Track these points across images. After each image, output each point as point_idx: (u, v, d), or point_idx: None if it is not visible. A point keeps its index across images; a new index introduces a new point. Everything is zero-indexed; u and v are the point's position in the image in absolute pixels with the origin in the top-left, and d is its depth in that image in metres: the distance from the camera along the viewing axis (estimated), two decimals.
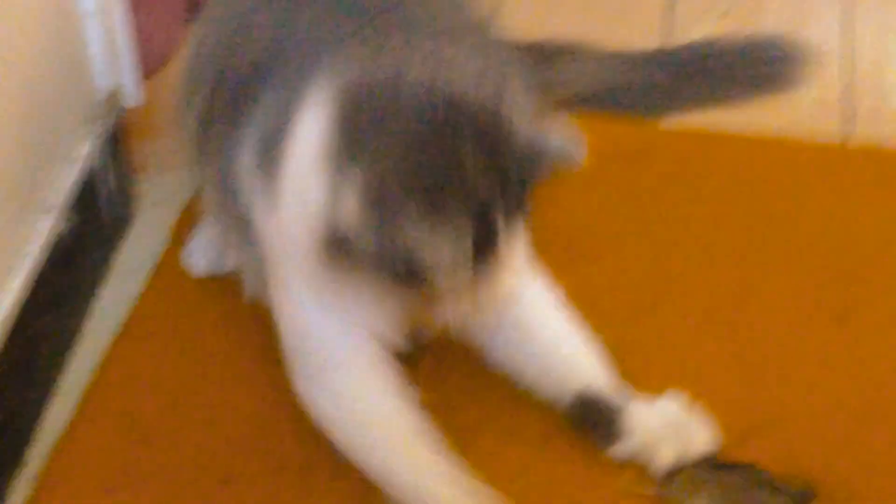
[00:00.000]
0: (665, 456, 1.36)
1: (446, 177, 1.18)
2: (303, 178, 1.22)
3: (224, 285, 1.55)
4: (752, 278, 1.59)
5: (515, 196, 1.22)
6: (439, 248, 1.19)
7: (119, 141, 1.68)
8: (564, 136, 1.23)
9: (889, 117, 1.83)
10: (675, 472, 1.35)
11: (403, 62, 1.22)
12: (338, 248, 1.21)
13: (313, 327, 1.33)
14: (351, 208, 1.19)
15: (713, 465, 1.36)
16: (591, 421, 1.38)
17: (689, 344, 1.52)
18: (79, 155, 1.57)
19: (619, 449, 1.37)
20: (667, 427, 1.37)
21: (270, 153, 1.26)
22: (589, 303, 1.52)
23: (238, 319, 1.52)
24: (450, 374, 1.46)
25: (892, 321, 1.54)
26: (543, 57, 1.78)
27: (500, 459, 1.37)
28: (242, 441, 1.41)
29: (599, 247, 1.62)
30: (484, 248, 1.21)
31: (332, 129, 1.21)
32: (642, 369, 1.45)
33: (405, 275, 1.21)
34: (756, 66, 1.80)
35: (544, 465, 1.38)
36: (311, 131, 1.22)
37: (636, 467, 1.37)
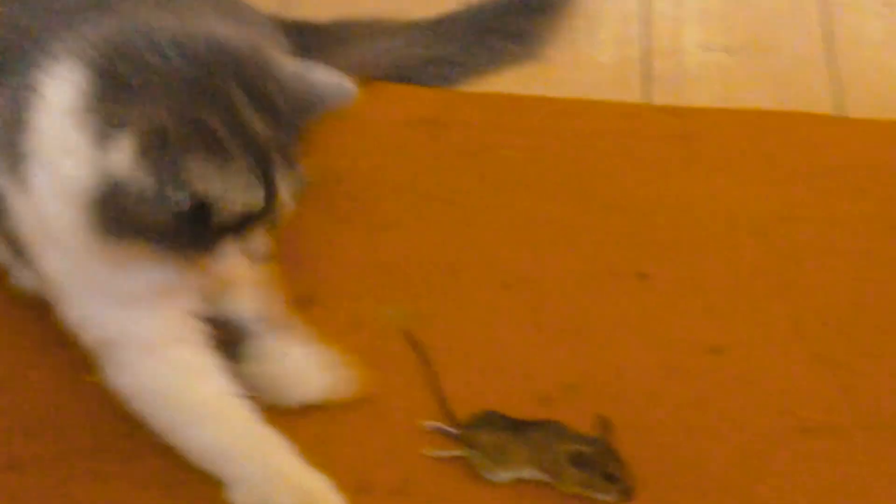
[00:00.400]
0: (274, 392, 1.37)
1: (219, 115, 1.17)
2: (60, 140, 1.18)
3: None
4: (553, 241, 1.60)
5: (290, 132, 1.21)
6: (222, 185, 1.16)
7: None
8: (331, 73, 1.25)
9: (687, 77, 1.85)
10: (478, 436, 1.36)
11: (153, 21, 1.22)
12: (112, 209, 1.17)
13: (106, 317, 1.30)
14: (125, 156, 1.15)
15: (515, 425, 1.36)
16: (229, 339, 1.38)
17: (492, 308, 1.52)
18: None
19: (242, 370, 1.37)
20: (286, 366, 1.39)
21: (15, 125, 1.21)
22: (389, 269, 1.52)
23: (24, 298, 1.46)
24: None
25: (689, 279, 1.56)
26: (341, 37, 1.76)
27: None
28: (30, 425, 1.37)
29: (398, 213, 1.61)
30: (264, 185, 1.20)
31: (91, 83, 1.18)
32: (444, 334, 1.46)
33: (189, 222, 1.17)
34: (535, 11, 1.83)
35: (336, 440, 1.38)
36: (63, 91, 1.19)
37: (436, 435, 1.37)
